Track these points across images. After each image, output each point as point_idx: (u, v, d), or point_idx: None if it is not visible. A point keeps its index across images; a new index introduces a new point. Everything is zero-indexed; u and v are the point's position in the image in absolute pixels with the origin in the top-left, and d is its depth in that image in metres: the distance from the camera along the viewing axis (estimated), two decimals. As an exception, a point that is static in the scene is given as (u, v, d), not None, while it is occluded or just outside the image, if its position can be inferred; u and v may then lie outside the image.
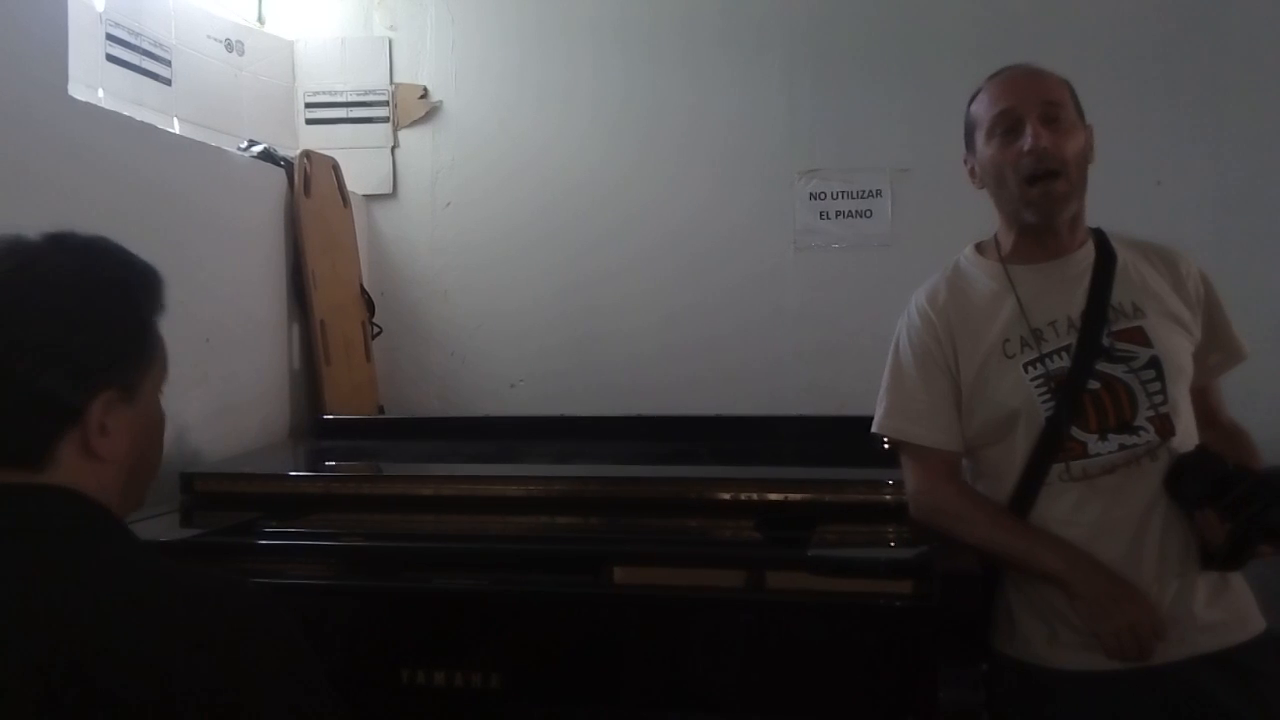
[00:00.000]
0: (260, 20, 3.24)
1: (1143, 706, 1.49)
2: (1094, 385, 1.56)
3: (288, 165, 2.86)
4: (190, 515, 2.05)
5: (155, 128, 2.46)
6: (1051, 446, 1.56)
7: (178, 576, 0.93)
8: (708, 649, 1.64)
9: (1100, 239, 1.67)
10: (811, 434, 2.39)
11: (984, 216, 1.75)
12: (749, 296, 3.06)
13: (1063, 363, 1.57)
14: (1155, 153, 2.84)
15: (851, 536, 1.79)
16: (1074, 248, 1.65)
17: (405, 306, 3.26)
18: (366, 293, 3.15)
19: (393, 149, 3.28)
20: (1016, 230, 1.65)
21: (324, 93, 3.28)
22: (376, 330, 3.17)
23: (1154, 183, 2.84)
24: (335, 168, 3.07)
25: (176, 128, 2.69)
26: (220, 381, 2.45)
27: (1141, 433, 1.55)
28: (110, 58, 2.54)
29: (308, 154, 2.95)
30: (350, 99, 3.27)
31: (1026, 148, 1.57)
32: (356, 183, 3.20)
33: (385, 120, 3.27)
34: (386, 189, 3.28)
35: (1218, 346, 1.68)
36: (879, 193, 3.02)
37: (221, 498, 2.11)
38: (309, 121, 3.28)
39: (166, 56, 2.73)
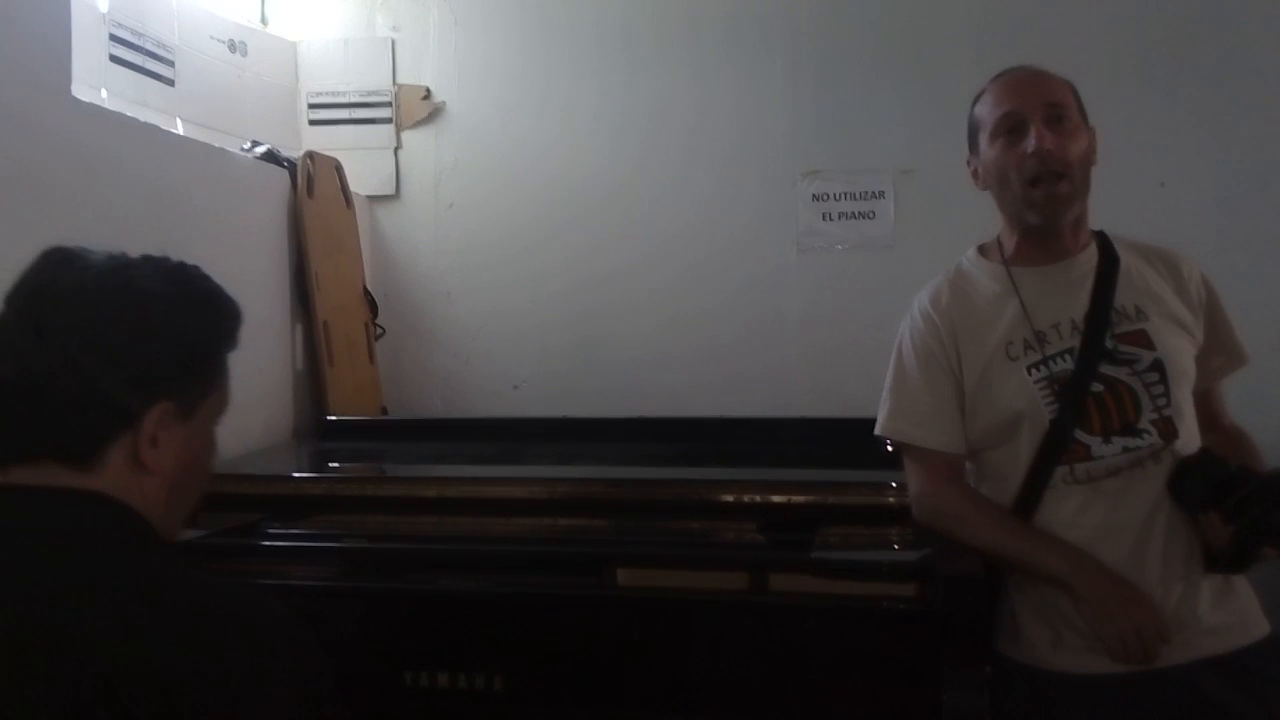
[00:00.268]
0: (263, 21, 3.24)
1: (1147, 710, 1.49)
2: (1097, 388, 1.55)
3: (291, 166, 2.86)
4: (194, 515, 2.05)
5: (158, 128, 2.46)
6: (1055, 449, 1.55)
7: (210, 594, 0.93)
8: (710, 651, 1.64)
9: (1103, 241, 1.67)
10: (814, 436, 2.39)
11: (987, 218, 1.74)
12: (752, 298, 3.06)
13: (1066, 365, 1.57)
14: (1159, 154, 2.83)
15: (855, 539, 1.79)
16: (1077, 250, 1.65)
17: (408, 308, 3.26)
18: (369, 294, 3.15)
19: (396, 150, 3.28)
20: (1019, 232, 1.65)
21: (327, 94, 3.28)
22: (379, 331, 3.17)
23: (1158, 184, 2.84)
24: (338, 169, 3.08)
25: (180, 128, 2.69)
26: (223, 382, 2.44)
27: (1145, 435, 1.54)
28: (114, 58, 2.55)
29: (311, 155, 2.95)
30: (353, 100, 3.28)
31: (1030, 150, 1.56)
32: (359, 184, 3.20)
33: (388, 121, 3.27)
34: (389, 190, 3.28)
35: (1220, 350, 1.67)
36: (882, 194, 3.02)
37: (225, 499, 2.10)
38: (312, 122, 3.29)
39: (170, 57, 2.74)
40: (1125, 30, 2.89)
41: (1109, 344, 1.56)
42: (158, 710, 0.82)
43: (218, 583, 0.96)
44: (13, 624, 0.85)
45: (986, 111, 1.64)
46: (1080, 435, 1.55)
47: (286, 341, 2.82)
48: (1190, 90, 2.86)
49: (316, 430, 2.80)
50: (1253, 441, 1.69)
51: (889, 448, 1.72)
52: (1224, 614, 1.54)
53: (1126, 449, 1.54)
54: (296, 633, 0.92)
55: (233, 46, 3.01)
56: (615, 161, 3.15)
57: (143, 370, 0.94)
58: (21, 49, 2.00)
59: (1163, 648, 1.46)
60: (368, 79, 3.28)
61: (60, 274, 0.95)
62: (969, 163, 1.71)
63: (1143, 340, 1.57)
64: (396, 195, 3.28)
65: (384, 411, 3.10)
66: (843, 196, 3.04)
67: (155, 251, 1.03)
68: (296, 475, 2.35)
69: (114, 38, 2.54)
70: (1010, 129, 1.60)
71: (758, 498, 1.89)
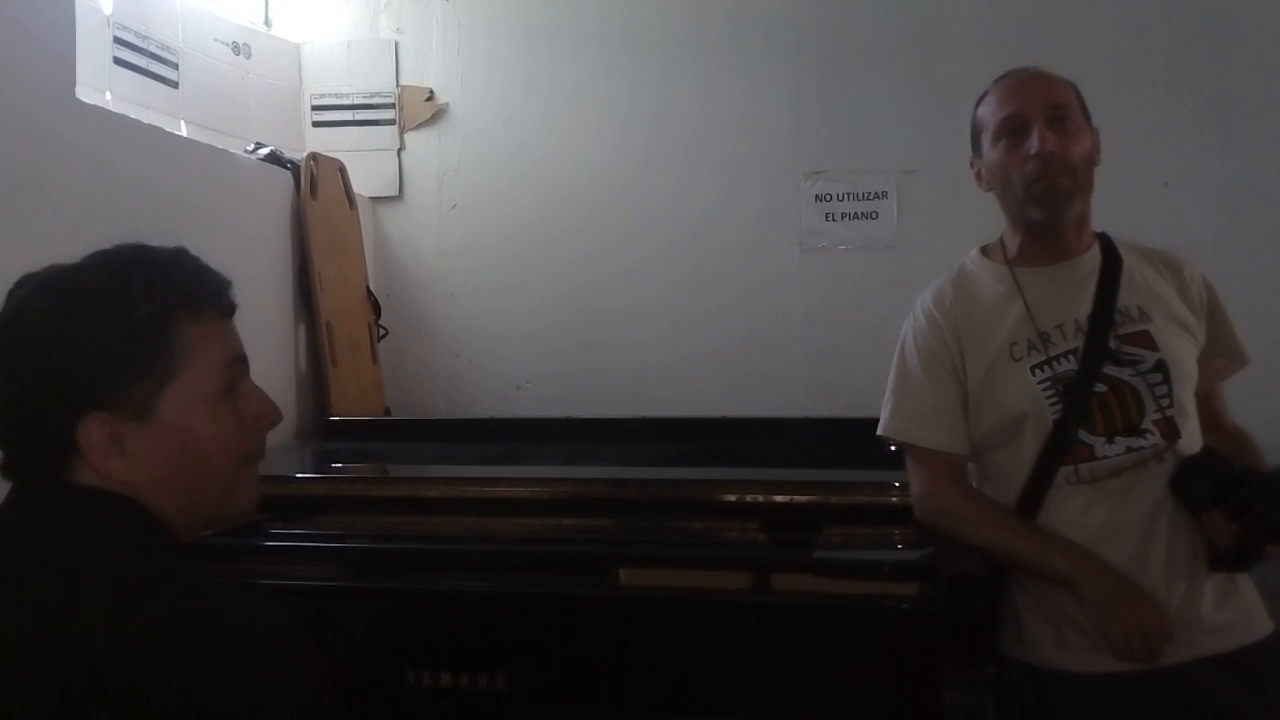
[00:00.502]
0: (267, 23, 3.25)
1: (1151, 709, 1.49)
2: (1101, 388, 1.56)
3: (294, 168, 2.87)
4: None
5: (162, 130, 2.47)
6: (1059, 449, 1.56)
7: (203, 592, 0.92)
8: (713, 651, 1.64)
9: (1105, 243, 1.67)
10: (817, 436, 2.39)
11: (990, 218, 1.75)
12: (755, 298, 3.06)
13: (1070, 366, 1.57)
14: (1161, 153, 2.83)
15: (857, 538, 1.78)
16: (1080, 251, 1.65)
17: (411, 308, 3.27)
18: (373, 295, 3.16)
19: (399, 151, 3.28)
20: (1023, 233, 1.65)
21: (330, 95, 3.29)
22: (383, 332, 3.17)
23: (1160, 184, 2.83)
24: (341, 170, 3.08)
25: (183, 130, 2.70)
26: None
27: (1148, 435, 1.55)
28: (118, 61, 2.55)
29: (314, 156, 2.96)
30: (357, 101, 3.28)
31: (1033, 151, 1.57)
32: (363, 185, 3.20)
33: (391, 123, 3.28)
34: (393, 191, 3.28)
35: (1221, 351, 1.68)
36: (885, 194, 3.02)
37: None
38: (315, 124, 3.29)
39: (173, 59, 2.74)
40: (1128, 30, 2.88)
41: (1113, 345, 1.57)
42: (145, 705, 0.82)
43: (213, 582, 0.96)
44: (4, 618, 0.86)
45: (989, 113, 1.65)
46: (1084, 435, 1.55)
47: (290, 342, 2.82)
48: (1193, 90, 2.85)
49: (320, 431, 2.81)
50: (1255, 442, 1.69)
51: (892, 448, 1.72)
52: (1227, 612, 1.54)
53: (1130, 449, 1.54)
54: (290, 634, 0.91)
55: (236, 49, 3.02)
56: (618, 162, 3.15)
57: (62, 384, 0.91)
58: (25, 52, 2.00)
59: (1166, 646, 1.46)
60: (371, 81, 3.28)
61: (7, 303, 0.95)
62: (972, 164, 1.72)
63: (1146, 341, 1.58)
64: (400, 196, 3.28)
65: (387, 412, 3.10)
66: (846, 197, 3.04)
67: None
68: (300, 476, 2.35)
69: (118, 40, 2.55)
70: (1013, 130, 1.60)
71: (760, 497, 1.89)
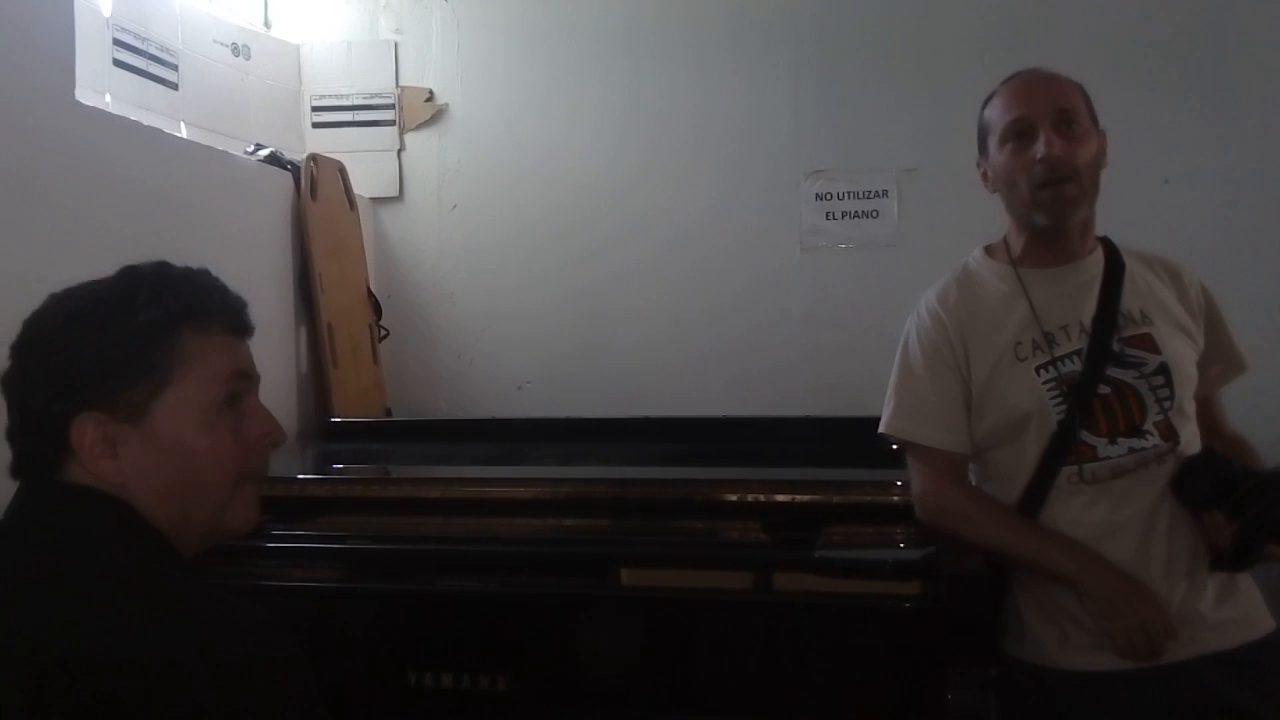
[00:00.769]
0: (266, 24, 3.25)
1: (1154, 706, 1.48)
2: (1104, 390, 1.56)
3: (294, 169, 2.87)
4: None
5: (162, 132, 2.47)
6: (1063, 449, 1.56)
7: (184, 592, 0.93)
8: (715, 650, 1.64)
9: (1108, 247, 1.68)
10: (818, 435, 2.39)
11: (992, 216, 1.75)
12: (756, 298, 3.06)
13: (1075, 367, 1.58)
14: (1163, 150, 2.82)
15: (859, 537, 1.78)
16: (1084, 254, 1.66)
17: (412, 309, 3.26)
18: (373, 295, 3.16)
19: (399, 152, 3.28)
20: (1027, 235, 1.66)
21: (330, 96, 3.29)
22: (383, 333, 3.17)
23: (1161, 180, 2.83)
24: (342, 171, 3.08)
25: (183, 132, 2.70)
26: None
27: (1149, 437, 1.55)
28: (117, 63, 2.55)
29: (314, 157, 2.96)
30: (356, 102, 3.28)
31: (1040, 155, 1.57)
32: (363, 186, 3.20)
33: (391, 123, 3.27)
34: (393, 192, 3.28)
35: (1219, 357, 1.69)
36: (885, 193, 3.01)
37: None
38: (315, 125, 3.29)
39: (173, 61, 2.74)
40: (1130, 26, 2.88)
41: (1116, 347, 1.57)
42: (118, 701, 0.82)
43: (197, 582, 0.96)
44: None
45: (996, 115, 1.65)
46: (1086, 436, 1.56)
47: (290, 343, 2.82)
48: (1194, 86, 2.85)
49: (321, 432, 2.81)
50: (1253, 448, 1.70)
51: (894, 446, 1.72)
52: (1229, 610, 1.54)
53: (1133, 450, 1.55)
54: (271, 633, 0.91)
55: (236, 50, 3.02)
56: (618, 162, 3.15)
57: (59, 385, 0.93)
58: (25, 54, 2.00)
59: (1169, 643, 1.46)
60: (371, 81, 3.28)
61: (34, 312, 0.99)
62: (978, 165, 1.72)
63: (1148, 344, 1.59)
64: (400, 197, 3.28)
65: (388, 413, 3.10)
66: (846, 195, 3.04)
67: (157, 255, 1.04)
68: (301, 477, 2.35)
69: (117, 42, 2.55)
70: (1020, 134, 1.60)
71: (761, 497, 1.89)
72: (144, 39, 2.64)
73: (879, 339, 1.95)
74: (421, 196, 3.27)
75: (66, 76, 2.12)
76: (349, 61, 3.30)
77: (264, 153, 2.83)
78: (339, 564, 1.87)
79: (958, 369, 1.64)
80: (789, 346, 3.02)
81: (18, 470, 0.98)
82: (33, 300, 1.00)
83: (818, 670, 1.59)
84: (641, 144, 3.14)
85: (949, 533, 1.62)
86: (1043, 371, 1.58)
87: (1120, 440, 1.55)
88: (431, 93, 3.26)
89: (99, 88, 2.45)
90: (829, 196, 3.04)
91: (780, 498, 1.88)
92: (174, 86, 2.74)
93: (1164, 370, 1.57)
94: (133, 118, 2.39)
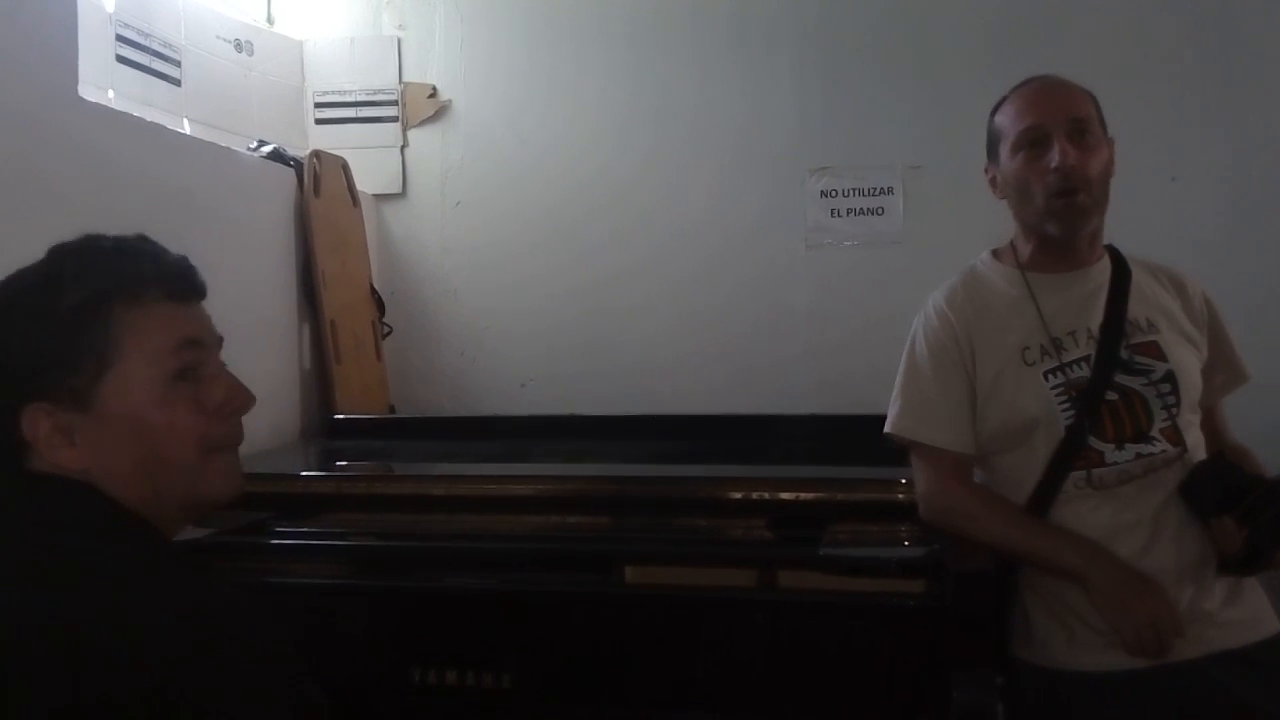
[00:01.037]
0: (269, 20, 3.24)
1: (1163, 705, 1.48)
2: (1112, 396, 1.57)
3: (297, 165, 2.86)
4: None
5: (165, 128, 2.46)
6: (1071, 455, 1.56)
7: (158, 578, 0.92)
8: (719, 648, 1.63)
9: (1115, 255, 1.69)
10: (823, 432, 2.39)
11: (997, 214, 1.74)
12: (760, 295, 3.05)
13: (1083, 373, 1.58)
14: (1168, 149, 2.81)
15: (863, 535, 1.78)
16: (1091, 261, 1.67)
17: (415, 306, 3.26)
18: (376, 292, 3.15)
19: (402, 148, 3.27)
20: (1036, 241, 1.66)
21: (333, 92, 3.28)
22: (387, 330, 3.17)
23: (1168, 179, 2.82)
24: (345, 167, 3.08)
25: (186, 128, 2.69)
26: (231, 382, 2.44)
27: (1156, 443, 1.56)
28: (120, 59, 2.55)
29: (317, 154, 2.96)
30: (359, 98, 3.27)
31: (1054, 165, 1.57)
32: (366, 182, 3.20)
33: (394, 120, 3.27)
34: (396, 188, 3.28)
35: (1222, 367, 1.70)
36: (890, 190, 3.01)
37: (232, 498, 2.11)
38: (318, 121, 3.28)
39: (176, 57, 2.74)
40: (1135, 24, 2.86)
41: (1125, 354, 1.58)
42: (81, 688, 0.81)
43: (174, 567, 0.95)
44: None
45: (1008, 122, 1.64)
46: (1094, 442, 1.56)
47: (294, 340, 2.82)
48: (1200, 85, 2.83)
49: (324, 429, 2.81)
50: (1256, 458, 1.70)
51: (898, 446, 1.71)
52: (1236, 611, 1.54)
53: (1140, 455, 1.55)
54: (248, 620, 0.90)
55: (239, 46, 3.01)
56: (622, 159, 3.14)
57: (1, 380, 0.92)
58: (27, 50, 2.00)
59: (1177, 641, 1.46)
60: (374, 77, 3.28)
61: None
62: (987, 170, 1.72)
63: (1155, 352, 1.59)
64: (403, 193, 3.28)
65: (391, 410, 3.10)
66: (851, 192, 3.03)
67: None
68: (304, 474, 2.35)
69: (120, 38, 2.55)
70: (1033, 142, 1.60)
71: (766, 494, 1.89)
72: (147, 35, 2.63)
73: (884, 336, 1.94)
74: (424, 193, 3.27)
75: (69, 72, 2.12)
76: (352, 57, 3.29)
77: (267, 149, 2.83)
78: (343, 561, 1.88)
79: (964, 368, 1.64)
80: (793, 343, 3.01)
81: None
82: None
83: (822, 668, 1.59)
84: (645, 140, 3.13)
85: (953, 532, 1.62)
86: (1051, 377, 1.59)
87: (1128, 446, 1.56)
88: (435, 89, 3.26)
89: (102, 84, 2.45)
90: (833, 193, 3.03)
91: (784, 495, 1.88)
92: (177, 83, 2.73)
93: (1171, 378, 1.58)
94: (135, 114, 2.38)
